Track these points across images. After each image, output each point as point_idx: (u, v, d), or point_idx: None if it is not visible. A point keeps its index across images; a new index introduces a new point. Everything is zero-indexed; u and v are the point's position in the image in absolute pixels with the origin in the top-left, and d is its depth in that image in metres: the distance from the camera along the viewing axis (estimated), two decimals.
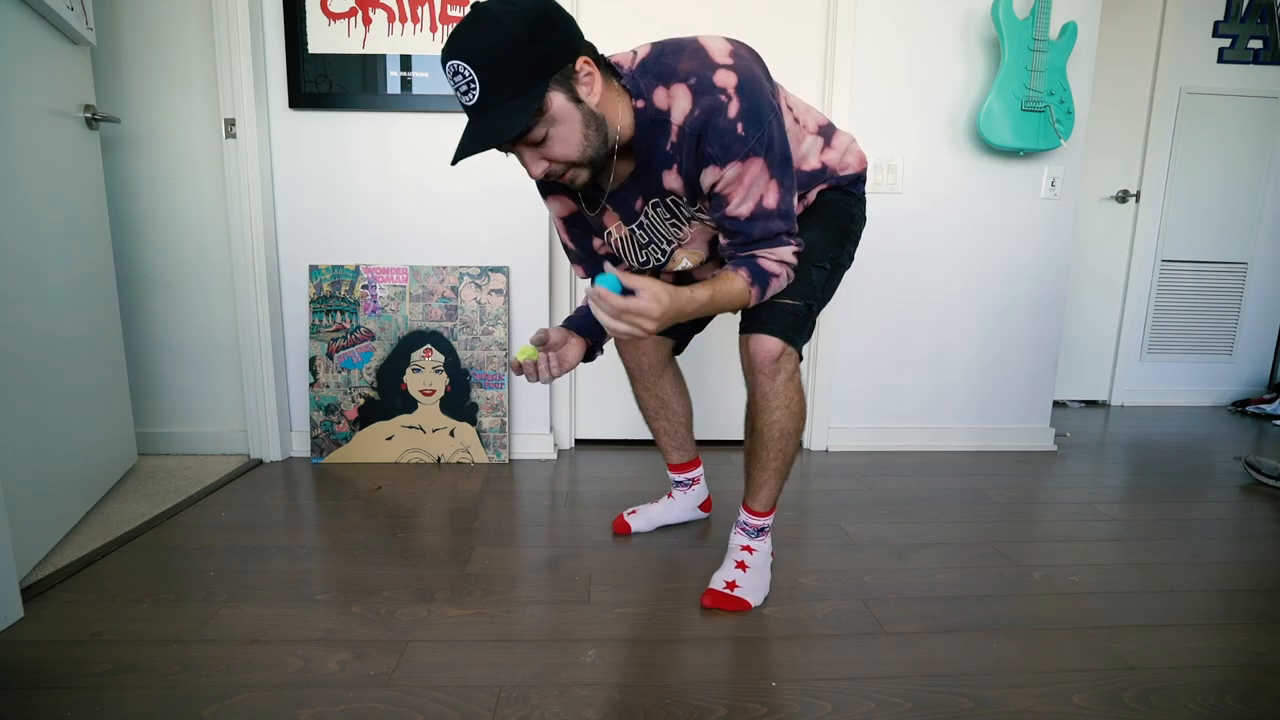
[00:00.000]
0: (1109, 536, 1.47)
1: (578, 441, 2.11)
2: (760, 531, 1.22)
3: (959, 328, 2.08)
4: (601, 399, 2.10)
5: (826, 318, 2.03)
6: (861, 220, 1.24)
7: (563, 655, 1.00)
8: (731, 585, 1.15)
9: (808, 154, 1.15)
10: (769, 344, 1.08)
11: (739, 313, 1.15)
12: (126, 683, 0.92)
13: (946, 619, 1.12)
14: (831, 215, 1.19)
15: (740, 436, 1.22)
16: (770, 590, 1.19)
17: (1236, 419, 2.65)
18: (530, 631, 1.06)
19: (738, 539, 1.23)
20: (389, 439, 1.88)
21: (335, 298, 1.86)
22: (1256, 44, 2.62)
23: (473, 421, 1.89)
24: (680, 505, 1.48)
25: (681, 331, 1.35)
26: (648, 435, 2.09)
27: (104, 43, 1.72)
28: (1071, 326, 2.77)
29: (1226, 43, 2.61)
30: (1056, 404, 2.80)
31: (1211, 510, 1.63)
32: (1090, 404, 2.85)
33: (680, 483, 1.48)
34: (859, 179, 1.22)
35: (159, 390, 1.89)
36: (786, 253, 1.06)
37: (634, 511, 1.47)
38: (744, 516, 1.22)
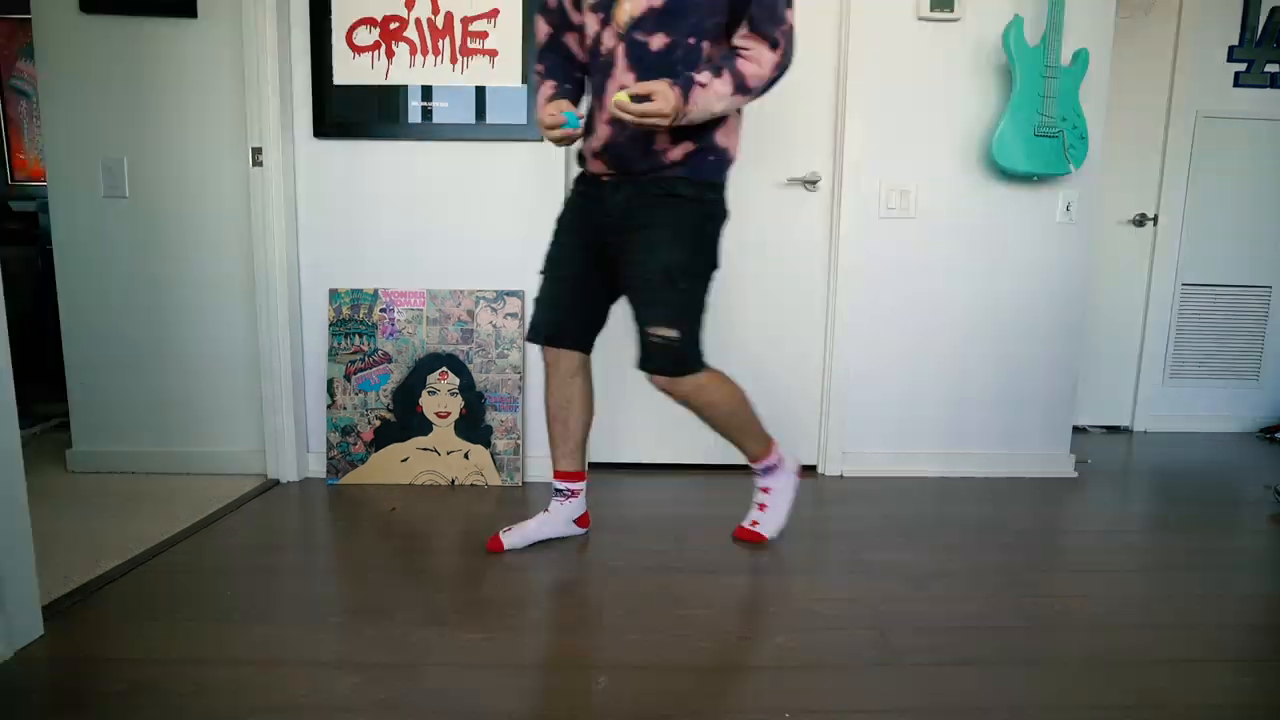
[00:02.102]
0: (1133, 567, 1.43)
1: (591, 465, 2.11)
2: (767, 470, 1.49)
3: (975, 353, 2.06)
4: (615, 424, 2.10)
5: (839, 341, 2.02)
6: (720, 216, 1.34)
7: (574, 681, 0.99)
8: (754, 524, 1.50)
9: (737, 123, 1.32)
10: (663, 380, 1.30)
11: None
12: (142, 702, 0.93)
13: (965, 650, 1.09)
14: (683, 226, 1.28)
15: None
16: (787, 520, 1.52)
17: (1265, 446, 2.58)
18: (541, 657, 1.06)
19: (756, 484, 1.51)
20: (404, 461, 1.89)
21: (354, 320, 1.89)
22: (1273, 68, 2.61)
23: (487, 444, 1.90)
24: (556, 518, 1.49)
25: (591, 333, 1.42)
26: (662, 459, 2.10)
27: (135, 71, 1.79)
28: (1091, 351, 2.73)
29: (1242, 67, 2.61)
30: (1077, 430, 2.75)
31: (1241, 540, 1.59)
32: (1112, 430, 2.80)
33: (561, 491, 1.48)
34: (725, 167, 1.31)
35: (180, 410, 1.93)
36: (769, 60, 1.22)
37: (509, 530, 1.47)
38: (753, 469, 1.50)
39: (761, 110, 1.98)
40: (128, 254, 1.86)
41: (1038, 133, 1.89)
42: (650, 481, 1.97)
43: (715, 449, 2.10)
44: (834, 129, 1.99)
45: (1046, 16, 1.86)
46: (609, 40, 1.24)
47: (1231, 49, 2.60)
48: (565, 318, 1.37)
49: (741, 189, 2.01)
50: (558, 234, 1.40)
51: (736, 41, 1.24)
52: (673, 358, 1.26)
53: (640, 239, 1.28)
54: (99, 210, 1.84)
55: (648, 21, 1.20)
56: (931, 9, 1.90)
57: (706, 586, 1.30)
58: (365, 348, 1.89)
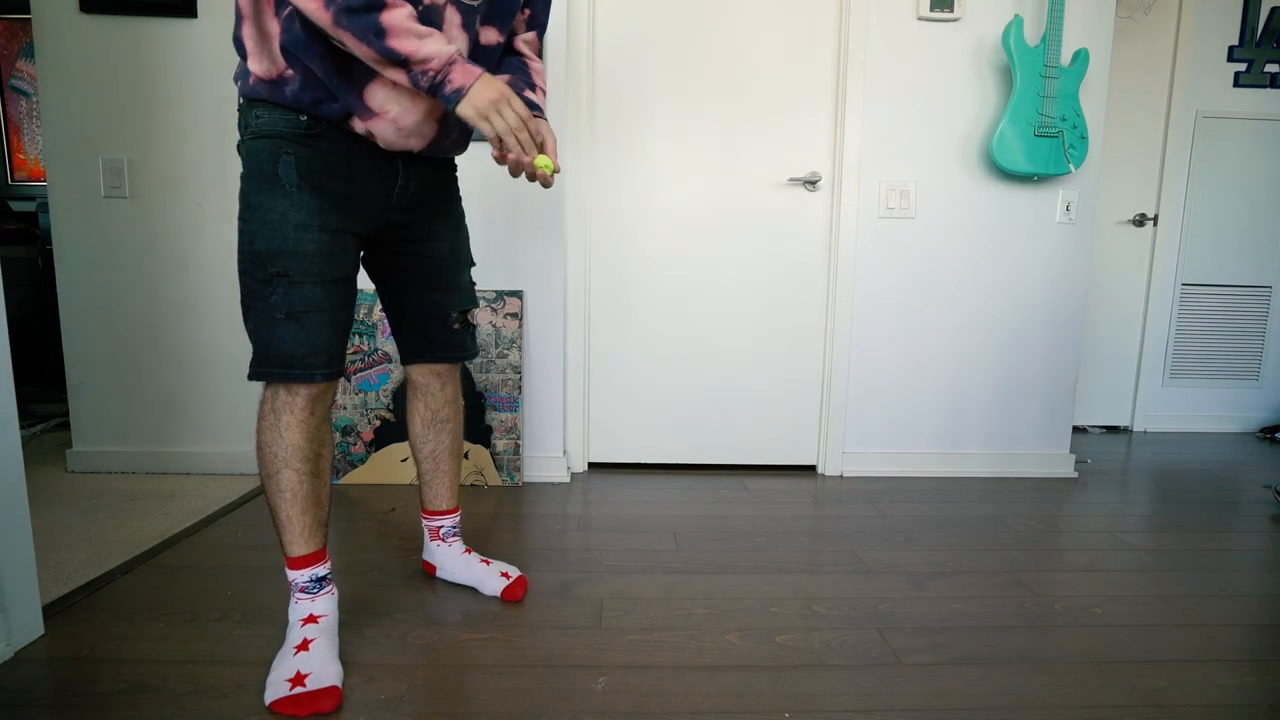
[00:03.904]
0: (1133, 567, 1.43)
1: (590, 465, 2.11)
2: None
3: (975, 352, 2.06)
4: (614, 424, 2.10)
5: (839, 341, 2.03)
6: None
7: (573, 682, 0.99)
8: (505, 574, 1.27)
9: None
10: (453, 372, 1.24)
11: (432, 339, 1.18)
12: (141, 702, 0.93)
13: (965, 650, 1.09)
14: (461, 201, 1.22)
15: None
16: None
17: (1265, 446, 2.58)
18: (541, 657, 1.06)
19: (461, 543, 1.31)
20: (403, 461, 1.89)
21: (354, 320, 1.89)
22: (1273, 68, 2.61)
23: (487, 444, 1.90)
24: (330, 641, 1.02)
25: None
26: (661, 459, 2.10)
27: (135, 71, 1.79)
28: (1091, 351, 2.73)
29: (1242, 67, 2.61)
30: (1077, 429, 2.75)
31: (1241, 540, 1.59)
32: (1111, 430, 2.80)
33: (319, 581, 1.05)
34: None
35: (180, 410, 1.93)
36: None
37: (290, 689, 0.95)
38: (452, 521, 1.29)
39: (761, 110, 1.98)
40: (128, 254, 1.86)
41: (1038, 133, 1.89)
42: (650, 481, 1.98)
43: (715, 449, 2.11)
44: (834, 129, 1.99)
45: (1046, 16, 1.86)
46: None
47: (1231, 49, 2.60)
48: (340, 337, 1.02)
49: (742, 189, 2.02)
50: (310, 225, 0.97)
51: (525, 49, 1.15)
52: (474, 336, 1.24)
53: (445, 218, 1.15)
54: (99, 210, 1.84)
55: (484, 7, 1.02)
56: (931, 9, 1.90)
57: (706, 586, 1.30)
58: (365, 348, 1.89)
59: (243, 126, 0.98)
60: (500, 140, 0.94)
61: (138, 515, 1.60)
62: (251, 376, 0.98)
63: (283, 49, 0.93)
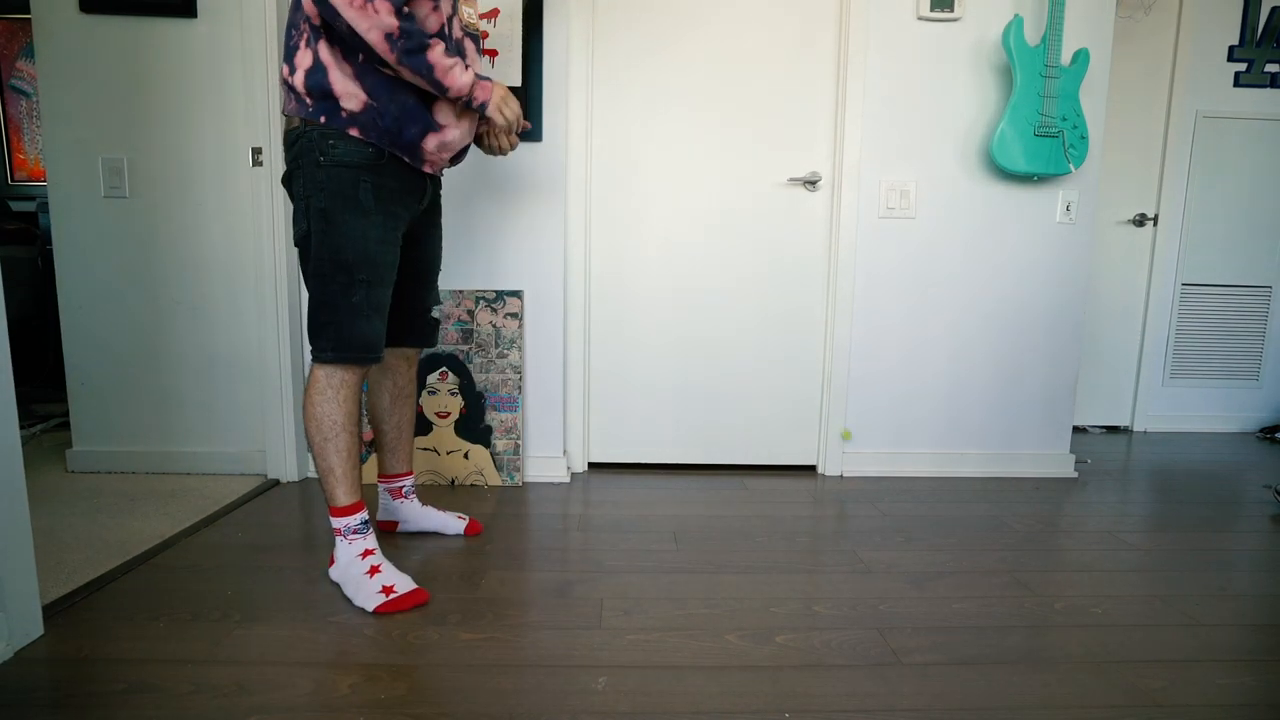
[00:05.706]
0: (1133, 567, 1.43)
1: (590, 465, 2.12)
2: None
3: (974, 352, 2.06)
4: (614, 423, 2.10)
5: (839, 340, 2.03)
6: None
7: (574, 682, 0.99)
8: (461, 518, 1.53)
9: None
10: (416, 359, 1.46)
11: (414, 333, 1.41)
12: (140, 702, 0.93)
13: (965, 650, 1.09)
14: None
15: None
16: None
17: (1265, 446, 2.58)
18: (541, 657, 1.06)
19: (417, 499, 1.52)
20: None
21: None
22: (1273, 68, 2.61)
23: (487, 444, 1.90)
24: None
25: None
26: (661, 460, 2.10)
27: (135, 71, 1.79)
28: (1091, 351, 2.73)
29: (1242, 67, 2.61)
30: (1076, 429, 2.75)
31: (1241, 540, 1.59)
32: (1111, 430, 2.80)
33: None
34: None
35: (180, 410, 1.93)
36: None
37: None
38: (411, 480, 1.50)
39: (761, 110, 1.98)
40: (128, 254, 1.86)
41: (1038, 132, 1.89)
42: (650, 481, 1.98)
43: (715, 449, 2.11)
44: (834, 129, 1.99)
45: (1046, 16, 1.86)
46: (457, 30, 1.23)
47: (1231, 49, 2.60)
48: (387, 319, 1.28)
49: (742, 189, 2.02)
50: (386, 240, 1.20)
51: None
52: (438, 329, 1.45)
53: (436, 228, 1.40)
54: (99, 210, 1.84)
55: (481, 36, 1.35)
56: (931, 9, 1.90)
57: (706, 586, 1.30)
58: None
59: (312, 152, 1.14)
60: (501, 125, 1.23)
61: (138, 515, 1.60)
62: (330, 360, 1.18)
63: (369, 89, 1.13)
